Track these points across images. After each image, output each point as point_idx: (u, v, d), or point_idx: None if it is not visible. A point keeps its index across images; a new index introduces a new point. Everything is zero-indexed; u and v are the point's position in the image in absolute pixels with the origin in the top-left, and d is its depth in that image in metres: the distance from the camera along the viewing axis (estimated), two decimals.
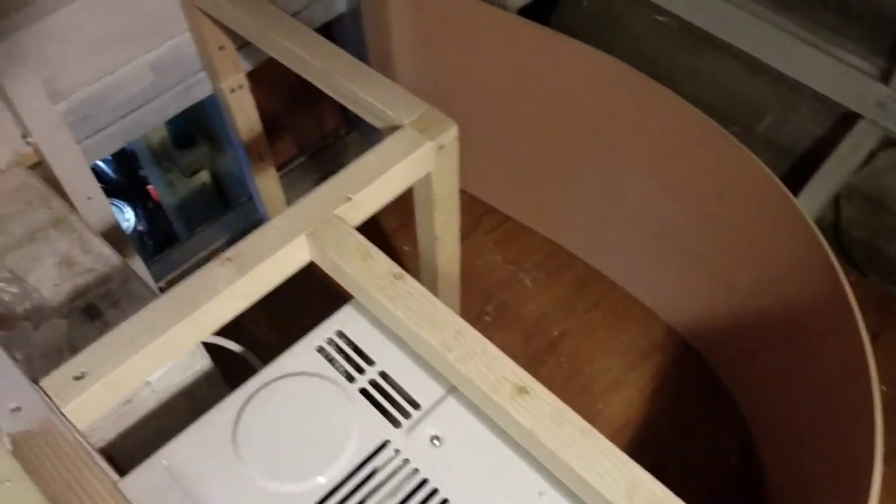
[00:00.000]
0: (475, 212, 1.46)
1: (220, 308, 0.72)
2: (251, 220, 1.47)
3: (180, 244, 1.47)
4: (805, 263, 0.98)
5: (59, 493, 0.56)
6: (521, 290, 1.37)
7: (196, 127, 1.62)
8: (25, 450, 0.58)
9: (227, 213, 1.50)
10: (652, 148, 1.13)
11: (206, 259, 1.42)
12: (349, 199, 0.77)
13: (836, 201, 1.48)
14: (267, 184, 1.36)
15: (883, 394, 1.21)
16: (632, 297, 1.34)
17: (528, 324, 1.32)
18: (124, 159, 1.83)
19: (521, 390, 0.63)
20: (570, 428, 0.61)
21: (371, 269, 0.72)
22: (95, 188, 1.07)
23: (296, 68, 0.92)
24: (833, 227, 1.48)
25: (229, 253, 0.73)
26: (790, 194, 0.99)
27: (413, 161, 0.81)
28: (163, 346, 0.68)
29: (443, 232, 0.96)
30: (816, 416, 0.97)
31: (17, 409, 0.60)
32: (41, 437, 0.59)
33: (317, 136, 1.62)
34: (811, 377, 0.99)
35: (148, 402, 0.80)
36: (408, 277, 0.71)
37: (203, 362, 0.84)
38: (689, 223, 1.16)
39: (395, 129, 0.84)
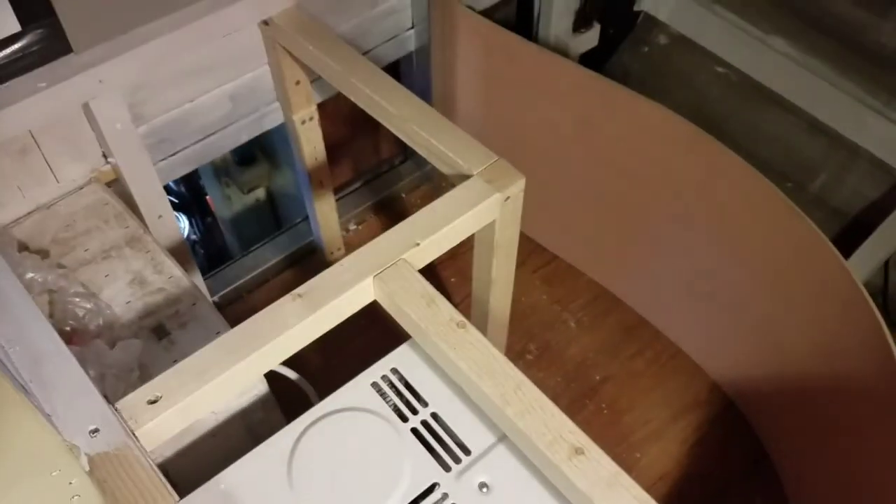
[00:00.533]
0: (523, 249, 1.46)
1: (289, 342, 0.75)
2: (305, 241, 1.50)
3: (235, 261, 1.51)
4: (856, 331, 0.98)
5: None
6: (565, 331, 1.39)
7: (258, 146, 1.67)
8: (102, 471, 0.61)
9: (281, 233, 1.54)
10: (711, 206, 1.14)
11: (261, 276, 1.49)
12: (417, 244, 0.80)
13: (886, 267, 1.47)
14: (324, 209, 1.40)
15: None
16: (677, 347, 1.35)
17: (570, 366, 1.33)
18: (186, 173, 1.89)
19: (578, 451, 0.65)
20: (626, 493, 0.63)
21: (434, 316, 0.74)
22: (166, 207, 1.11)
23: (370, 110, 0.96)
24: (881, 292, 1.47)
25: (301, 290, 0.76)
26: (843, 259, 0.99)
27: (480, 211, 0.84)
28: (233, 377, 0.71)
29: (498, 275, 0.98)
30: (857, 492, 0.97)
31: (96, 430, 0.64)
32: (117, 459, 0.62)
33: (373, 163, 1.66)
34: (856, 452, 0.99)
35: (206, 422, 0.83)
36: (470, 327, 0.74)
37: (260, 387, 0.88)
38: (741, 281, 1.16)
39: (464, 177, 0.86)
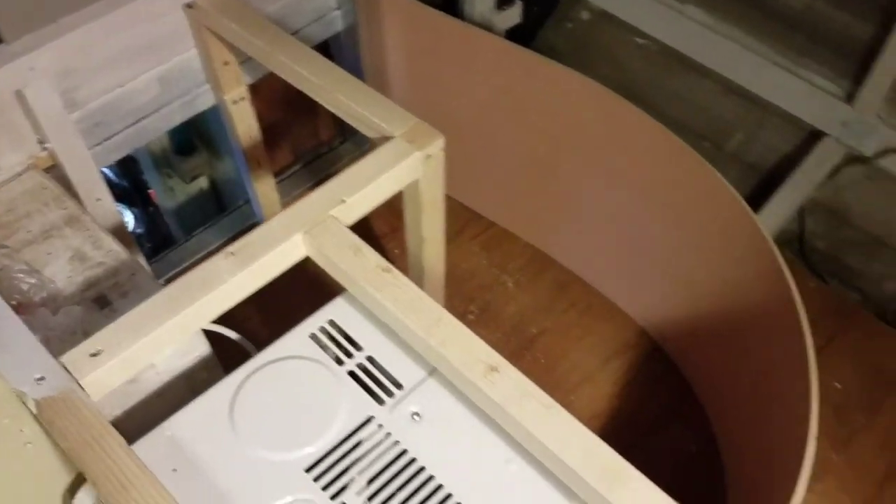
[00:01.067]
0: (462, 217, 1.54)
1: (223, 297, 0.80)
2: (248, 223, 1.54)
3: (179, 245, 1.54)
4: (758, 269, 1.06)
5: (78, 450, 0.64)
6: (504, 291, 1.45)
7: (196, 135, 1.70)
8: (49, 413, 0.66)
9: (224, 216, 1.58)
10: (626, 163, 1.22)
11: (206, 258, 1.51)
12: (343, 201, 0.85)
13: (801, 214, 1.57)
14: (264, 189, 1.44)
15: (837, 391, 1.30)
16: (606, 298, 1.43)
17: (509, 323, 1.40)
18: (127, 165, 1.91)
19: (493, 369, 0.72)
20: (536, 403, 0.70)
21: (362, 263, 0.80)
22: (104, 191, 1.15)
23: (296, 83, 1.01)
24: (798, 238, 1.57)
25: (232, 248, 0.81)
26: (746, 206, 1.07)
27: (402, 169, 0.90)
28: (169, 331, 0.76)
29: (429, 234, 1.04)
30: (765, 405, 1.05)
31: (42, 378, 0.68)
32: (63, 402, 0.66)
33: (312, 145, 1.70)
34: (761, 373, 1.08)
35: (151, 382, 0.87)
36: (395, 271, 0.80)
37: (202, 348, 0.92)
38: (657, 231, 1.24)
39: (386, 139, 0.92)
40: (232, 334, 0.94)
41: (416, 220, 1.02)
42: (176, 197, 1.83)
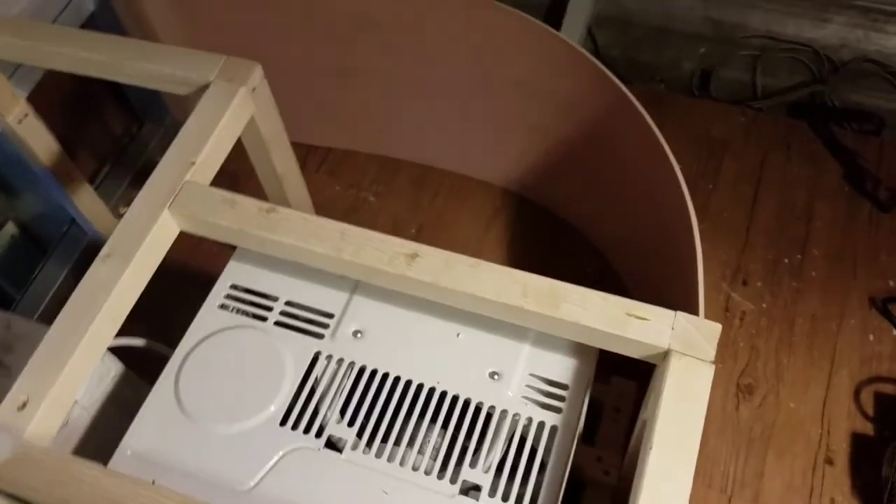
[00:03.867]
0: (298, 155, 1.48)
1: (118, 304, 0.75)
2: (84, 244, 1.43)
3: (22, 299, 1.41)
4: (589, 87, 1.13)
5: (55, 492, 0.60)
6: (369, 207, 1.46)
7: None
8: (10, 476, 0.61)
9: (55, 250, 1.45)
10: (431, 36, 1.23)
11: (58, 296, 1.41)
12: (193, 162, 0.81)
13: (591, 32, 1.67)
14: (87, 202, 1.34)
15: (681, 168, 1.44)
16: (462, 175, 1.47)
17: (387, 230, 1.41)
18: None
19: (413, 255, 0.73)
20: (463, 266, 0.72)
21: (244, 213, 0.77)
22: None
23: (81, 70, 0.93)
24: (594, 53, 1.67)
25: (104, 250, 0.76)
26: (552, 29, 1.12)
27: (234, 110, 0.86)
28: (82, 356, 0.71)
29: (284, 168, 1.02)
30: (639, 208, 1.15)
31: None
32: (20, 459, 0.62)
33: (110, 142, 1.58)
34: (616, 178, 1.17)
35: (82, 419, 0.82)
36: (279, 208, 0.78)
37: (116, 367, 0.87)
38: (485, 92, 1.28)
39: (203, 88, 0.88)
40: (139, 341, 0.90)
41: (266, 160, 0.99)
42: None
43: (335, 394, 0.78)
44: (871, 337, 1.23)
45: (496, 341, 0.81)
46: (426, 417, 0.77)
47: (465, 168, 1.48)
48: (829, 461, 1.12)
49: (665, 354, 0.67)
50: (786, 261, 1.33)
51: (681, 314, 0.68)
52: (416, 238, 1.41)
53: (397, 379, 0.79)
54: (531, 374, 0.79)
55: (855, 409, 1.16)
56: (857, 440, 1.13)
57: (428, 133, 1.44)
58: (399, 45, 1.28)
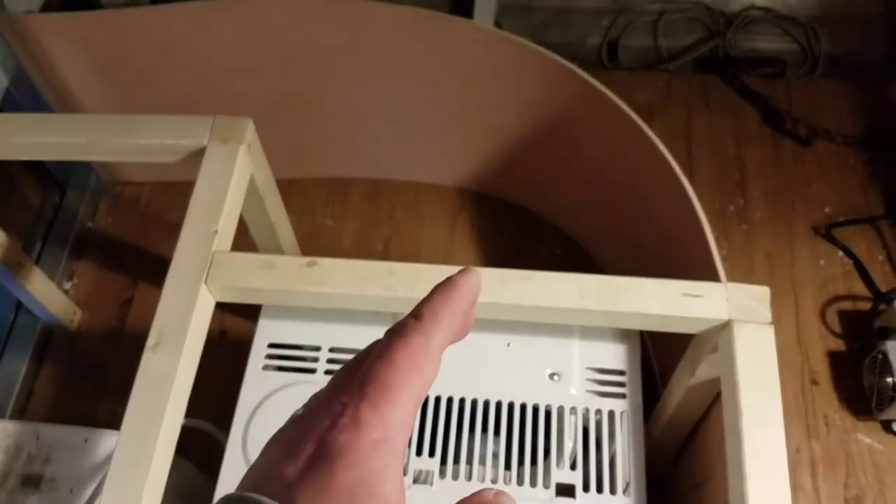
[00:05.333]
0: None
1: (180, 394, 0.73)
2: (38, 330, 1.34)
3: None
4: (541, 77, 1.17)
5: None
6: (329, 231, 1.45)
7: None
8: None
9: (9, 338, 1.35)
10: (359, 53, 1.23)
11: (24, 390, 1.31)
12: (216, 231, 0.79)
13: (497, 22, 1.71)
14: (36, 283, 1.25)
15: None
16: (417, 182, 1.48)
17: (354, 251, 1.41)
18: None
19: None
20: (515, 280, 0.75)
21: (286, 272, 0.76)
22: None
23: (59, 156, 0.87)
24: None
25: (151, 340, 0.73)
26: (499, 30, 1.15)
27: (238, 171, 0.84)
28: (161, 456, 0.69)
29: (276, 216, 1.01)
30: (601, 179, 1.21)
31: None
32: None
33: (33, 217, 1.48)
34: (574, 156, 1.23)
35: None
36: (318, 260, 0.77)
37: None
38: (427, 97, 1.30)
39: (200, 153, 0.85)
40: (195, 423, 0.87)
41: (262, 210, 0.98)
42: None
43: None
44: (822, 262, 1.35)
45: (546, 343, 0.84)
46: (501, 432, 0.79)
47: (416, 175, 1.49)
48: (815, 382, 1.24)
49: (724, 325, 0.73)
50: (731, 207, 1.43)
51: (731, 285, 0.74)
52: (386, 252, 1.41)
53: (462, 401, 0.81)
54: (588, 368, 0.83)
55: (825, 331, 1.28)
56: (834, 358, 1.25)
57: (375, 148, 1.44)
58: (334, 67, 1.27)
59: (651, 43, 1.69)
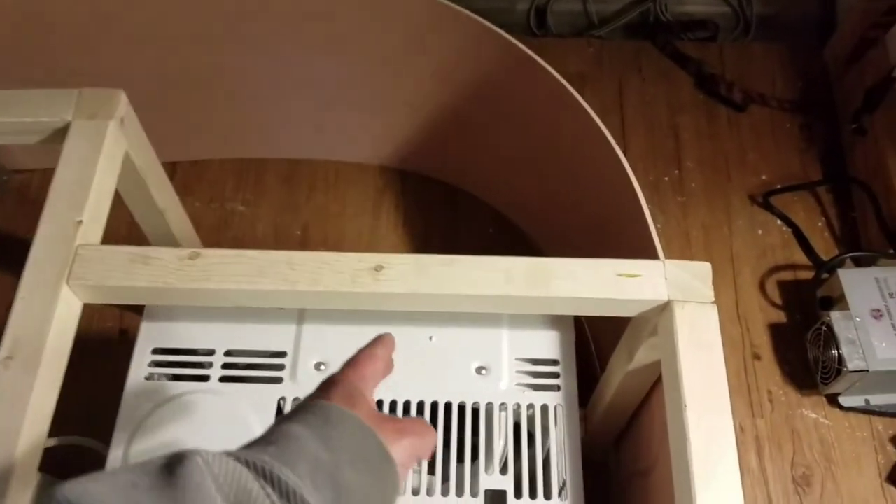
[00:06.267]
0: None
1: (39, 416, 0.62)
2: None
3: None
4: (463, 39, 1.08)
5: None
6: (241, 218, 1.33)
7: None
8: None
9: None
10: (276, 21, 1.12)
11: None
12: (80, 221, 0.68)
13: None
14: None
15: None
16: (336, 162, 1.38)
17: (270, 240, 1.30)
18: None
19: (378, 268, 0.66)
20: (435, 266, 0.66)
21: (163, 267, 0.66)
22: None
23: None
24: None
25: (4, 352, 0.61)
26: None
27: (108, 150, 0.73)
28: (16, 490, 0.58)
29: (165, 202, 0.89)
30: (534, 155, 1.13)
31: None
32: None
33: None
34: (508, 133, 1.14)
35: None
36: (201, 251, 0.67)
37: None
38: (340, 72, 1.19)
39: (63, 131, 0.73)
40: (70, 440, 0.76)
41: (146, 195, 0.86)
42: None
43: None
44: (760, 231, 1.30)
45: (472, 334, 0.76)
46: None
47: (336, 154, 1.38)
48: (757, 357, 1.19)
49: (664, 306, 0.65)
50: (666, 179, 1.37)
51: (669, 262, 0.66)
52: (305, 239, 1.30)
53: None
54: (518, 359, 0.75)
55: (765, 303, 1.23)
56: (775, 330, 1.21)
57: (289, 126, 1.33)
58: (241, 36, 1.15)
59: (581, 8, 1.61)
